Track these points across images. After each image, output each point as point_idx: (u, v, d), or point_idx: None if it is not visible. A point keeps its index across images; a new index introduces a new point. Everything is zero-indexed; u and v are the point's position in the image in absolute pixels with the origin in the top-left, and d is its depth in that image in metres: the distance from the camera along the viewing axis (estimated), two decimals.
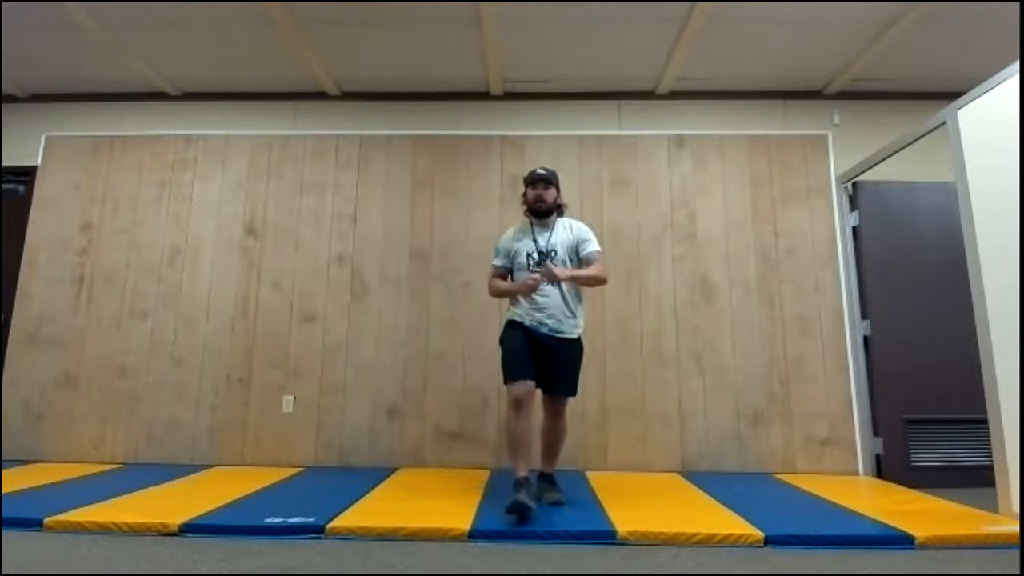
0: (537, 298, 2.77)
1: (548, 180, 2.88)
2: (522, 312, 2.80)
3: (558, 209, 2.93)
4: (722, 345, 3.87)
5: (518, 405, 2.64)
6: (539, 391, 2.81)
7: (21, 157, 4.29)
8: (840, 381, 3.80)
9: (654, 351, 3.88)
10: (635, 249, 4.01)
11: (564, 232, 2.89)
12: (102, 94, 4.36)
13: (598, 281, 2.82)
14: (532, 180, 2.90)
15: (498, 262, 2.98)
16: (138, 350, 3.98)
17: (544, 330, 2.75)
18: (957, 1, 3.23)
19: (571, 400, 2.88)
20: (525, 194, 2.94)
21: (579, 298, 2.88)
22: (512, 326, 2.84)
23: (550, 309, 2.76)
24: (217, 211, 4.16)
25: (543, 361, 2.76)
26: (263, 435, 3.86)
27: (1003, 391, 2.62)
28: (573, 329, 2.82)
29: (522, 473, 2.61)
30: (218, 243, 4.11)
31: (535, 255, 2.85)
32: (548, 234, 2.87)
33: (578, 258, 2.86)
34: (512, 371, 2.71)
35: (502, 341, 2.85)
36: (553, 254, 2.84)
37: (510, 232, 3.01)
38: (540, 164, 3.40)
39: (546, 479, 2.90)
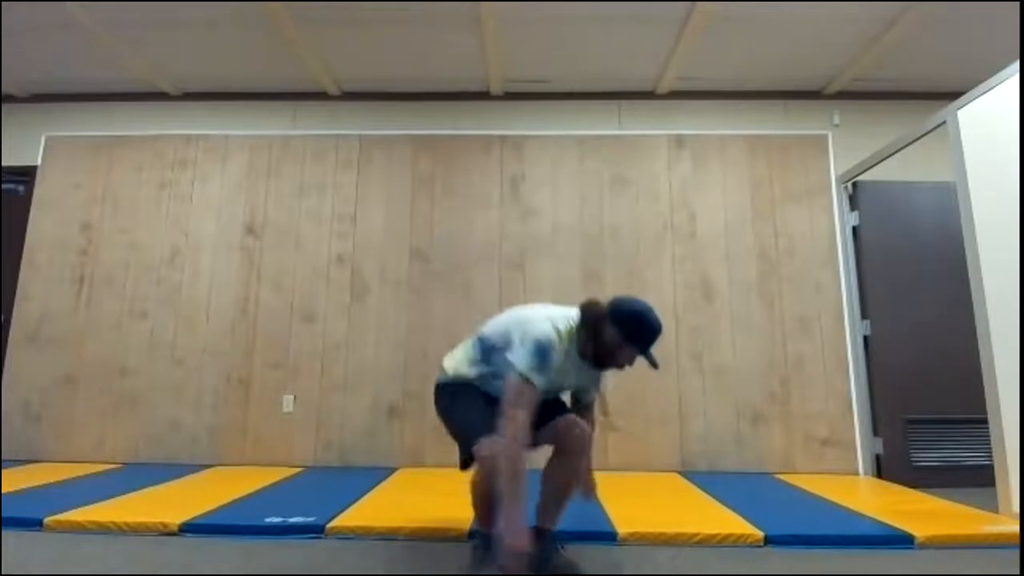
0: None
1: None
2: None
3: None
4: (722, 345, 3.87)
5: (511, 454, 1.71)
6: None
7: (21, 157, 4.28)
8: (840, 381, 3.80)
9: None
10: (635, 249, 4.00)
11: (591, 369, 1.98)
12: (102, 94, 4.35)
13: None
14: (650, 341, 1.86)
15: (540, 380, 1.76)
16: (138, 350, 3.98)
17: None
18: (957, 1, 3.23)
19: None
20: (612, 343, 1.85)
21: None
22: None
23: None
24: (217, 211, 4.16)
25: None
26: (263, 435, 3.86)
27: (1003, 391, 2.62)
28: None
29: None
30: (218, 243, 4.11)
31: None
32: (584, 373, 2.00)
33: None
34: (481, 424, 1.81)
35: (451, 398, 2.01)
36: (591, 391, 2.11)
37: (554, 338, 1.82)
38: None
39: (547, 538, 1.92)
